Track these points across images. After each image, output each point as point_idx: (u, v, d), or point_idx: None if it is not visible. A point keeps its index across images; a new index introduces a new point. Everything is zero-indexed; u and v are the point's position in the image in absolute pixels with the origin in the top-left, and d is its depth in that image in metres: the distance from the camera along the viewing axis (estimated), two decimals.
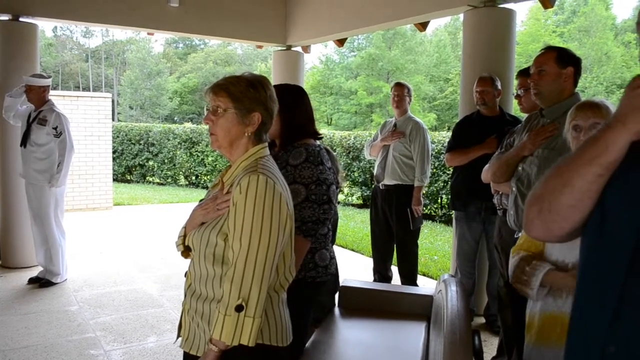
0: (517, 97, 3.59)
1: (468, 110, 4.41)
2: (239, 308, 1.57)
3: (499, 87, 4.08)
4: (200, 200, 1.84)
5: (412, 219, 4.55)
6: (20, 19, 5.60)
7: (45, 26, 46.56)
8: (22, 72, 5.29)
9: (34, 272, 5.34)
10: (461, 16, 4.79)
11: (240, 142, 1.75)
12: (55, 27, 46.91)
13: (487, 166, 3.23)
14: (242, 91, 1.71)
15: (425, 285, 5.06)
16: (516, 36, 4.92)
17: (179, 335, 1.86)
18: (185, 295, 1.81)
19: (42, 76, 5.12)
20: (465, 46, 4.69)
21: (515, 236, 2.80)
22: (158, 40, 50.13)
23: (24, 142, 5.05)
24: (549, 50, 2.76)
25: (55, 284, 5.15)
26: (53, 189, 5.04)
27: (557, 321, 1.92)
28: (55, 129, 5.00)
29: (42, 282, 5.13)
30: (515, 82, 4.11)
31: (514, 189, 2.79)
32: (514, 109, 4.58)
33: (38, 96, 5.03)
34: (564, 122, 2.21)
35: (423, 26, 5.97)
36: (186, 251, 1.83)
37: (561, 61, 2.68)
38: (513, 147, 2.90)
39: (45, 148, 5.03)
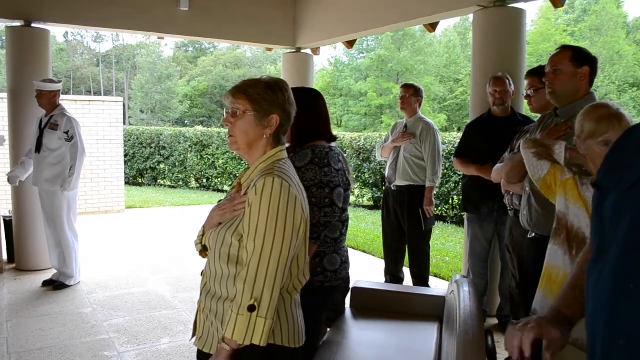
0: (527, 97, 3.58)
1: (479, 110, 4.40)
2: (251, 308, 1.60)
3: (513, 87, 4.08)
4: (219, 201, 1.86)
5: (424, 219, 4.55)
6: (33, 25, 5.67)
7: (57, 32, 47.01)
8: (35, 77, 5.33)
9: (48, 275, 5.40)
10: (471, 16, 4.78)
11: (259, 144, 1.77)
12: (67, 33, 47.36)
13: (497, 166, 3.22)
14: (260, 93, 1.74)
15: (437, 287, 5.05)
16: (526, 36, 4.90)
17: (194, 334, 1.88)
18: (200, 294, 1.84)
19: (52, 81, 5.15)
20: (475, 46, 4.67)
21: (529, 236, 2.79)
22: (168, 45, 50.43)
23: (38, 147, 5.09)
24: (565, 49, 2.74)
25: (69, 286, 5.20)
26: (65, 193, 5.08)
27: (558, 272, 2.13)
28: (66, 133, 5.03)
29: (56, 285, 5.17)
30: (525, 82, 4.10)
31: (527, 189, 2.77)
32: (525, 109, 4.57)
33: (49, 101, 5.06)
34: None
35: (433, 27, 5.95)
36: (204, 250, 1.86)
37: (577, 60, 2.66)
38: None
39: (57, 153, 5.06)
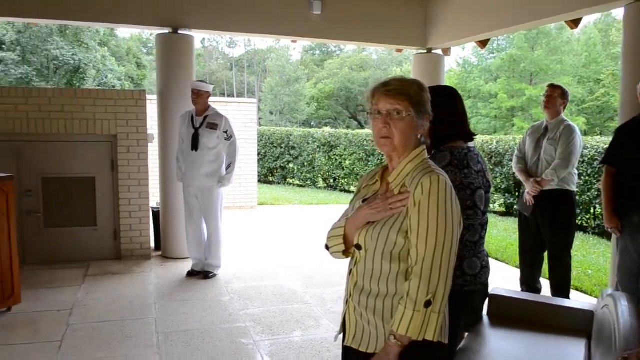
0: None
1: (630, 113, 4.06)
2: (427, 304, 1.63)
3: None
4: (364, 200, 1.84)
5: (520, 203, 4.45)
6: (179, 32, 6.16)
7: (195, 38, 50.38)
8: (180, 81, 5.76)
9: (187, 263, 5.81)
10: (615, 12, 4.42)
11: (411, 145, 1.77)
12: (203, 39, 50.56)
13: None
14: (418, 94, 1.74)
15: (579, 300, 4.72)
16: None
17: (342, 332, 1.89)
18: (350, 294, 1.83)
19: (205, 82, 5.51)
20: (626, 44, 4.32)
21: None
22: (296, 48, 52.04)
23: (195, 146, 5.35)
24: None
25: (216, 275, 5.55)
26: (222, 189, 5.42)
27: None
28: (226, 132, 5.37)
29: (206, 274, 5.49)
30: None
31: None
32: None
33: (204, 101, 5.38)
34: None
35: (575, 23, 5.58)
36: (347, 250, 1.85)
37: None
38: None
39: (215, 151, 5.36)
